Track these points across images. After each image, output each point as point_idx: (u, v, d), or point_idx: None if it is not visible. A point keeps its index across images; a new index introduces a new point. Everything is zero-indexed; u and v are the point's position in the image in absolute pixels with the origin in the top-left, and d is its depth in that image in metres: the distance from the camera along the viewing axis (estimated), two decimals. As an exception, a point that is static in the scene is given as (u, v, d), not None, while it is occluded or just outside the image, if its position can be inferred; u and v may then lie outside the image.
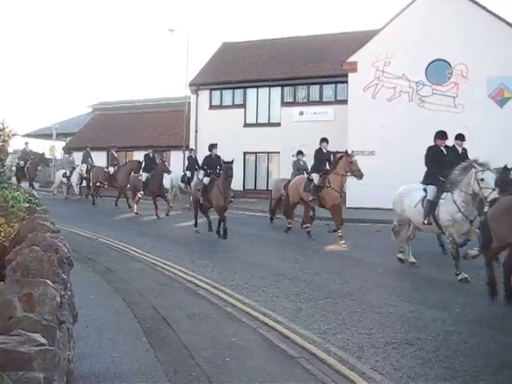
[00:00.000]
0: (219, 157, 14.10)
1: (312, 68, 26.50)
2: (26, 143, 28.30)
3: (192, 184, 16.50)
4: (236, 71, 28.41)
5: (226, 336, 5.69)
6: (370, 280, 8.65)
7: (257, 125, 27.03)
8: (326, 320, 6.38)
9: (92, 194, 22.24)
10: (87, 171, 24.27)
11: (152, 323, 6.06)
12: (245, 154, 26.78)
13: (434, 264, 10.01)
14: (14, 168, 23.09)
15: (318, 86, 26.22)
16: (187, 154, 22.51)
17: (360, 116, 21.35)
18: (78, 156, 26.55)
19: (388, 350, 5.36)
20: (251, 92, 27.59)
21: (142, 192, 18.57)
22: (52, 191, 26.08)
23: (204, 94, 28.47)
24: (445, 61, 20.74)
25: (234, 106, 27.86)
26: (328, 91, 26.09)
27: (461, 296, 7.58)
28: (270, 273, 8.98)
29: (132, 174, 19.82)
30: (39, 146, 43.55)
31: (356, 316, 6.56)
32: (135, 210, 18.24)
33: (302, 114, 26.11)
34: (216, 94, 28.43)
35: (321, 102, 25.99)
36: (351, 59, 22.16)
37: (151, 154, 19.29)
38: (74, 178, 23.94)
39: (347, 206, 20.76)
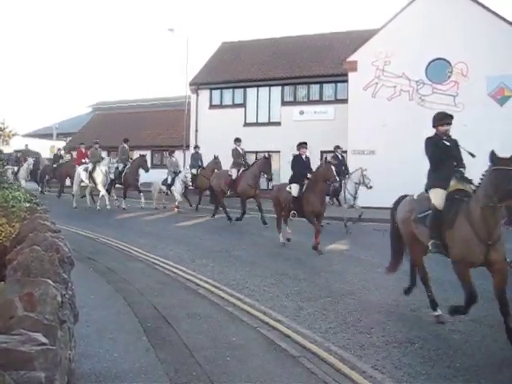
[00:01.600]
0: (309, 158, 12.26)
1: (312, 67, 26.50)
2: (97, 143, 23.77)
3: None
4: (236, 71, 28.40)
5: (227, 335, 5.69)
6: (371, 279, 8.65)
7: (257, 124, 27.02)
8: (326, 319, 6.38)
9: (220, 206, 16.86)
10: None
11: (153, 322, 6.06)
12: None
13: (434, 263, 9.99)
14: (111, 175, 19.37)
15: (318, 86, 26.21)
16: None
17: (360, 115, 21.34)
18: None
19: (389, 349, 5.36)
20: (251, 91, 27.57)
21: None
22: (154, 206, 19.74)
23: (204, 94, 28.45)
24: (445, 60, 20.72)
25: (234, 105, 27.85)
26: (328, 90, 26.08)
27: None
28: (270, 272, 8.98)
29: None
30: (39, 146, 43.56)
31: (357, 315, 6.56)
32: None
33: (302, 113, 26.11)
34: (216, 93, 28.42)
35: (321, 102, 25.99)
36: (351, 58, 22.15)
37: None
38: (178, 187, 18.83)
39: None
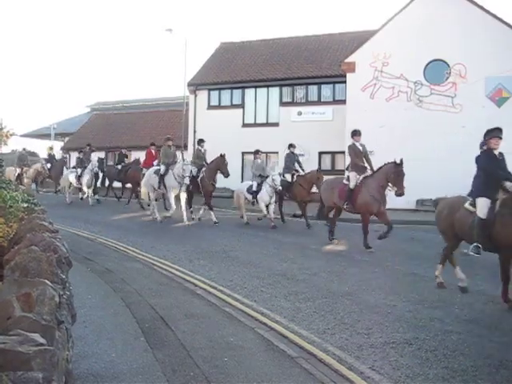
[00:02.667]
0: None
1: (310, 68, 26.53)
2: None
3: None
4: (234, 71, 28.42)
5: (225, 336, 5.69)
6: (369, 280, 8.65)
7: (255, 125, 27.03)
8: (324, 320, 6.38)
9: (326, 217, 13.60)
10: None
11: (150, 323, 6.06)
12: (243, 154, 26.78)
13: (431, 264, 10.01)
14: (187, 180, 15.30)
15: (316, 86, 26.24)
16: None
17: (358, 116, 21.35)
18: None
19: (386, 350, 5.36)
20: (249, 92, 27.59)
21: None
22: (245, 220, 15.98)
23: (202, 94, 28.46)
24: (443, 61, 20.77)
25: (232, 106, 27.86)
26: (326, 91, 26.11)
27: (459, 296, 7.59)
28: (268, 273, 8.98)
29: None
30: (37, 146, 43.54)
31: (354, 316, 6.56)
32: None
33: (300, 114, 26.13)
34: (214, 94, 28.42)
35: (319, 102, 26.01)
36: (349, 59, 22.18)
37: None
38: (265, 195, 15.36)
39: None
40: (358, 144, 12.43)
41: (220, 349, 5.28)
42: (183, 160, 15.96)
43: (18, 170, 23.55)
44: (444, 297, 7.52)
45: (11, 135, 45.97)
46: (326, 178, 14.79)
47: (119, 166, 23.15)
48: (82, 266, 8.90)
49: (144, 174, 17.95)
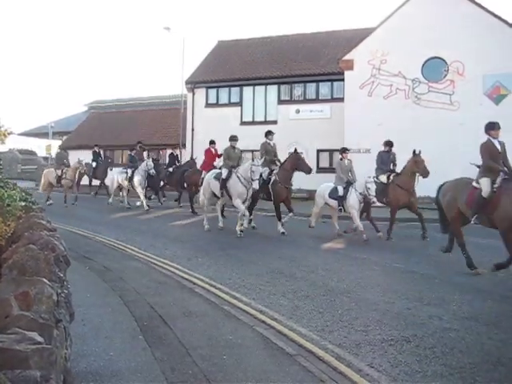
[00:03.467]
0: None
1: (308, 66, 26.51)
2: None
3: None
4: (232, 69, 28.39)
5: (223, 334, 5.69)
6: (367, 277, 8.66)
7: (253, 123, 26.99)
8: (323, 317, 6.38)
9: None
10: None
11: (149, 321, 6.06)
12: (241, 151, 26.73)
13: (430, 261, 10.03)
14: (255, 184, 12.99)
15: (314, 84, 26.23)
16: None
17: (356, 114, 21.38)
18: (75, 154, 26.40)
19: (385, 347, 5.36)
20: (247, 90, 27.56)
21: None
22: (337, 231, 13.49)
23: (200, 92, 28.43)
24: (441, 58, 20.78)
25: (230, 104, 27.83)
26: (324, 89, 26.10)
27: (457, 293, 7.60)
28: (266, 270, 8.99)
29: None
30: (35, 145, 43.47)
31: (353, 313, 6.56)
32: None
33: (298, 111, 26.12)
34: (212, 92, 28.40)
35: (317, 100, 26.01)
36: (347, 57, 22.18)
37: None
38: (355, 202, 12.65)
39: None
40: (496, 141, 9.08)
41: (219, 347, 5.28)
42: (255, 161, 13.30)
43: (58, 172, 20.66)
44: (442, 294, 7.52)
45: (9, 134, 45.88)
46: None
47: (170, 169, 21.22)
48: (80, 265, 8.89)
49: (204, 178, 15.46)
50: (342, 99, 22.98)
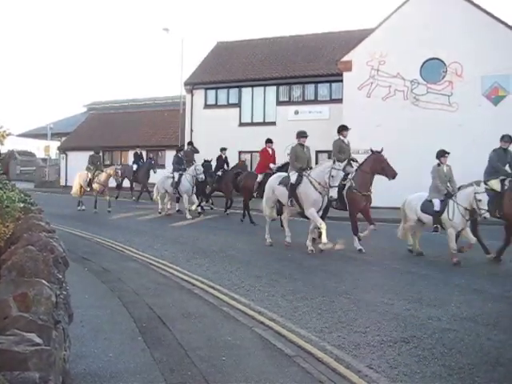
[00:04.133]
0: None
1: (307, 67, 26.53)
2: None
3: None
4: (231, 70, 28.41)
5: (222, 335, 5.68)
6: (366, 278, 8.66)
7: (252, 124, 27.03)
8: (321, 318, 6.38)
9: None
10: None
11: (148, 322, 6.05)
12: (240, 153, 26.80)
13: (429, 262, 10.04)
14: (334, 192, 10.59)
15: (312, 85, 26.26)
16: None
17: (355, 115, 21.36)
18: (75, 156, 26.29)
19: (384, 348, 5.36)
20: (246, 91, 27.59)
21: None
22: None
23: (199, 94, 28.44)
24: (439, 59, 20.78)
25: (229, 105, 27.85)
26: (323, 90, 26.13)
27: (456, 294, 7.60)
28: (265, 272, 8.98)
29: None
30: (34, 146, 43.44)
31: (352, 314, 6.56)
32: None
33: (297, 113, 26.15)
34: (211, 93, 28.41)
35: (316, 101, 26.04)
36: (346, 58, 22.19)
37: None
38: (459, 219, 10.00)
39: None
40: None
41: (217, 348, 5.28)
42: (336, 163, 10.73)
43: (90, 175, 18.88)
44: (441, 295, 7.53)
45: (8, 135, 45.84)
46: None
47: (219, 172, 19.15)
48: (79, 266, 8.89)
49: (259, 183, 13.76)
50: (340, 100, 22.99)
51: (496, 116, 19.16)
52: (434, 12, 20.36)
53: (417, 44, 20.49)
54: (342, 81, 22.65)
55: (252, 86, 27.40)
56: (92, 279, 8.24)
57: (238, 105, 27.63)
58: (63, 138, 36.75)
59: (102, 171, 18.83)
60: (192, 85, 28.44)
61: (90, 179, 18.80)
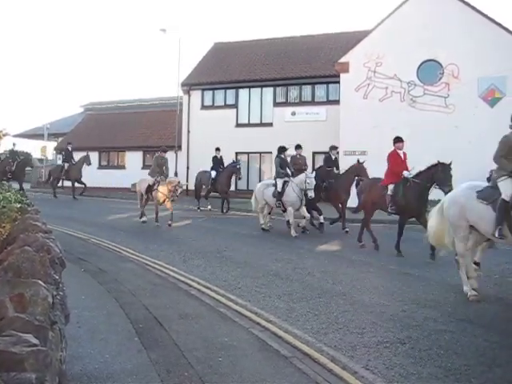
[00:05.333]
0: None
1: (304, 68, 26.57)
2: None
3: None
4: (228, 71, 28.42)
5: (219, 336, 5.68)
6: (363, 280, 8.67)
7: (249, 125, 27.05)
8: (318, 319, 6.39)
9: None
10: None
11: (144, 323, 6.05)
12: (237, 154, 26.78)
13: (426, 263, 10.06)
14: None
15: (309, 87, 26.31)
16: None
17: (352, 116, 21.42)
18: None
19: (380, 349, 5.37)
20: (243, 92, 27.61)
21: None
22: None
23: (196, 94, 28.45)
24: (436, 61, 20.85)
25: (226, 106, 27.87)
26: (320, 91, 26.18)
27: (452, 295, 7.62)
28: (262, 273, 8.99)
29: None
30: (30, 146, 43.37)
31: (348, 315, 6.57)
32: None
33: (294, 114, 26.18)
34: (208, 94, 28.43)
35: (313, 103, 26.08)
36: (343, 60, 22.23)
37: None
38: None
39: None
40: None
41: (214, 349, 5.28)
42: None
43: (151, 181, 15.79)
44: (437, 296, 7.54)
45: (4, 135, 45.72)
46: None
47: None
48: (76, 267, 8.87)
49: (391, 196, 11.30)
50: (337, 102, 23.02)
51: (492, 118, 19.21)
52: (431, 14, 20.43)
53: (413, 45, 20.55)
54: (338, 82, 22.68)
55: (249, 87, 27.43)
56: (89, 280, 8.23)
57: (235, 106, 27.65)
58: (60, 139, 36.64)
59: (166, 178, 15.55)
60: (189, 85, 28.45)
61: (149, 185, 15.76)
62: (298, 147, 15.49)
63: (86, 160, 25.10)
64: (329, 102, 25.26)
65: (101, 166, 32.44)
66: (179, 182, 15.40)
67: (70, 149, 25.48)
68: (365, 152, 21.17)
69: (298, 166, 14.89)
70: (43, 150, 38.17)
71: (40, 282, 3.17)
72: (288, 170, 14.24)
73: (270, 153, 25.92)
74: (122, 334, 5.66)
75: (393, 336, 5.78)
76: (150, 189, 15.70)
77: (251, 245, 12.05)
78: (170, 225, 14.87)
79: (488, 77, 19.79)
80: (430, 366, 4.97)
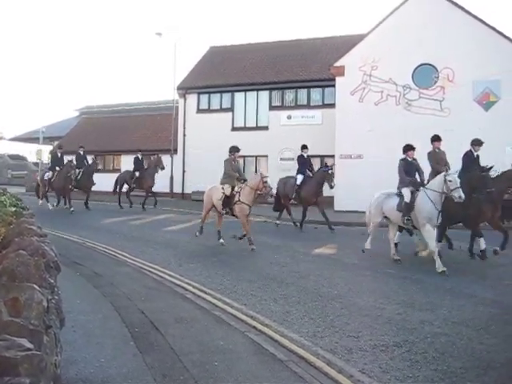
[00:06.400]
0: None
1: (300, 72, 26.62)
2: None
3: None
4: (224, 75, 28.44)
5: (215, 340, 5.67)
6: (358, 283, 8.68)
7: (245, 128, 27.06)
8: (314, 323, 6.38)
9: None
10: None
11: (140, 327, 6.03)
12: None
13: (421, 266, 10.07)
14: None
15: (305, 90, 26.35)
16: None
17: (347, 120, 21.47)
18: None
19: (376, 353, 5.37)
20: (239, 96, 27.63)
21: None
22: None
23: (192, 98, 28.46)
24: (431, 65, 20.93)
25: (221, 109, 27.88)
26: (316, 95, 26.22)
27: (448, 298, 7.63)
28: (258, 276, 8.98)
29: None
30: (25, 150, 43.27)
31: (344, 319, 6.57)
32: None
33: (289, 117, 26.21)
34: (204, 97, 28.43)
35: (308, 106, 26.13)
36: (338, 63, 22.29)
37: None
38: None
39: (335, 209, 20.85)
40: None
41: (210, 353, 5.26)
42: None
43: (228, 190, 12.42)
44: (433, 299, 7.56)
45: (0, 139, 45.65)
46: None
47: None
48: (71, 271, 8.84)
49: None
50: (333, 105, 23.07)
51: (487, 121, 19.30)
52: (426, 18, 20.52)
53: (409, 49, 20.64)
54: (334, 86, 22.74)
55: (245, 91, 27.45)
56: (84, 284, 8.20)
57: (231, 109, 27.66)
58: (55, 142, 36.55)
59: (245, 182, 12.54)
60: (185, 89, 28.46)
61: (226, 196, 12.43)
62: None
63: (159, 163, 21.76)
64: (324, 106, 25.31)
65: (96, 170, 32.34)
66: (264, 183, 12.01)
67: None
68: (360, 155, 21.26)
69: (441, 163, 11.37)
70: (38, 154, 38.08)
71: (35, 285, 3.15)
72: (418, 176, 10.89)
73: (266, 156, 25.99)
74: (118, 338, 5.64)
75: (389, 339, 5.78)
76: (229, 201, 12.34)
77: (246, 248, 12.03)
78: (253, 249, 11.67)
79: (483, 80, 19.88)
80: (425, 369, 4.97)
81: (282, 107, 26.69)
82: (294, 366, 5.02)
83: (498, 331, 6.17)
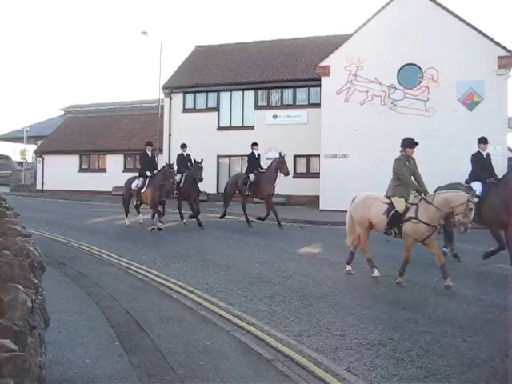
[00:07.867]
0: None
1: (285, 72, 26.67)
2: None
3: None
4: (209, 74, 28.41)
5: (201, 339, 5.67)
6: (344, 282, 8.71)
7: (230, 128, 27.05)
8: (300, 322, 6.40)
9: None
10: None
11: (125, 327, 6.01)
12: (218, 157, 26.83)
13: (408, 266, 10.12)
14: None
15: (291, 90, 26.39)
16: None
17: (333, 119, 21.54)
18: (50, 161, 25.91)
19: (362, 351, 5.40)
20: (225, 95, 27.60)
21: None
22: None
23: (177, 97, 28.36)
24: (416, 65, 21.07)
25: (207, 109, 27.82)
26: (301, 95, 26.28)
27: (432, 297, 7.69)
28: (244, 276, 8.99)
29: None
30: (9, 150, 42.88)
31: (330, 318, 6.60)
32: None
33: (275, 117, 26.24)
34: (189, 97, 28.35)
35: (294, 106, 26.17)
36: (324, 63, 22.35)
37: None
38: None
39: (320, 208, 20.92)
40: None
41: (196, 352, 5.26)
42: None
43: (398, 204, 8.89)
44: (418, 298, 7.62)
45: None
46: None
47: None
48: (56, 271, 8.79)
49: None
50: (318, 105, 23.13)
51: (471, 121, 19.48)
52: (411, 19, 20.64)
53: (394, 49, 20.76)
54: (320, 85, 22.79)
55: (230, 90, 27.43)
56: (69, 284, 8.15)
57: (217, 109, 27.62)
58: (40, 142, 36.30)
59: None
60: (170, 88, 28.36)
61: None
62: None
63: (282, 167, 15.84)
64: (310, 106, 25.38)
65: (81, 170, 32.21)
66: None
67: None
68: (346, 155, 21.34)
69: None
70: (23, 153, 37.79)
71: (19, 286, 3.13)
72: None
73: (252, 156, 25.95)
74: (103, 339, 5.61)
75: (374, 338, 5.82)
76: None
77: (233, 248, 12.03)
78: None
79: (467, 81, 20.06)
80: (410, 367, 5.01)
81: (267, 107, 26.71)
82: (281, 365, 5.03)
83: (481, 329, 6.23)
